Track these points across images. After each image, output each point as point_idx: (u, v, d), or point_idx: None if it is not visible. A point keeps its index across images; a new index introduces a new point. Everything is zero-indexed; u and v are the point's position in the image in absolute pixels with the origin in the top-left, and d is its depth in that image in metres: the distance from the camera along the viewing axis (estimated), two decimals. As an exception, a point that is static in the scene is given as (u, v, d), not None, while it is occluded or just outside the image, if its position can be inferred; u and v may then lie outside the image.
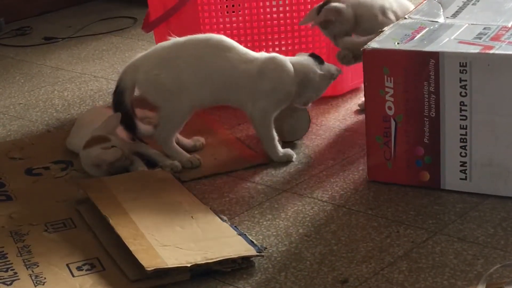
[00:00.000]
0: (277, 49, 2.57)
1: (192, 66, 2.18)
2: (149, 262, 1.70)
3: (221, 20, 2.54)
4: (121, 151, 2.15)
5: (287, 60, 2.22)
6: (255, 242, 1.80)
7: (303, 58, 2.26)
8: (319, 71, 2.23)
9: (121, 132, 2.25)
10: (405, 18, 2.15)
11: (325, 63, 2.27)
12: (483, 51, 1.89)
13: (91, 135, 2.19)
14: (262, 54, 2.24)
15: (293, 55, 2.55)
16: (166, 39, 2.29)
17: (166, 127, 2.22)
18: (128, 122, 2.21)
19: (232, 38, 2.52)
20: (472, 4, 2.20)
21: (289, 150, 2.23)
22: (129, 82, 2.21)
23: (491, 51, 1.89)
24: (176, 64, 2.18)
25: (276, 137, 2.22)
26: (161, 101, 2.21)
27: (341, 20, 2.33)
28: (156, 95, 2.21)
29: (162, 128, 2.22)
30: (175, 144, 2.24)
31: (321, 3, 2.37)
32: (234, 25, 2.54)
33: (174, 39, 2.24)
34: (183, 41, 2.22)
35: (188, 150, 2.28)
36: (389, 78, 1.98)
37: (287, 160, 2.22)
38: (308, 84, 2.23)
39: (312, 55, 2.27)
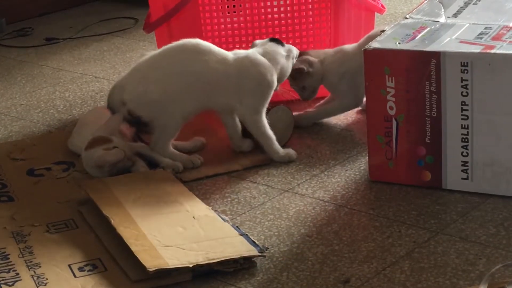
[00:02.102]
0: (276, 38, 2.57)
1: (174, 74, 2.19)
2: (151, 263, 1.70)
3: (222, 20, 2.54)
4: (123, 152, 2.15)
5: (258, 54, 2.24)
6: (256, 242, 1.80)
7: (266, 46, 2.28)
8: (284, 53, 2.27)
9: (122, 132, 2.26)
10: (406, 18, 2.15)
11: (284, 44, 2.31)
12: (484, 51, 1.89)
13: (92, 136, 2.19)
14: (236, 53, 2.25)
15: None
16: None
17: (161, 138, 2.22)
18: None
19: (233, 38, 2.54)
20: (473, 4, 2.20)
21: (290, 150, 2.23)
22: (118, 103, 2.22)
23: (492, 51, 1.89)
24: (158, 76, 2.19)
25: (274, 136, 2.22)
26: (152, 115, 2.20)
27: (311, 73, 2.37)
28: (146, 110, 2.20)
29: (157, 139, 2.23)
30: (172, 150, 2.24)
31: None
32: (235, 25, 2.54)
33: (150, 53, 2.26)
34: (159, 52, 2.25)
35: (189, 150, 2.28)
36: (390, 78, 1.98)
37: (288, 160, 2.22)
38: (278, 68, 2.26)
39: (272, 40, 2.31)
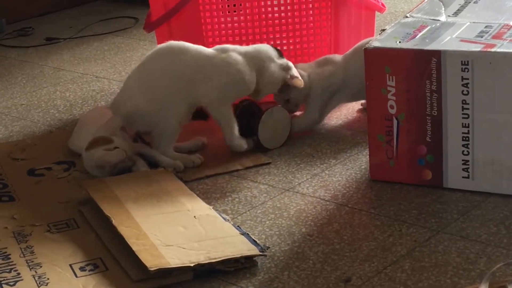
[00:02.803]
0: (278, 48, 2.57)
1: (155, 80, 2.20)
2: (152, 262, 1.70)
3: (222, 19, 2.54)
4: (124, 152, 2.15)
5: (236, 52, 2.24)
6: (257, 241, 1.80)
7: (262, 46, 2.30)
8: (277, 60, 2.27)
9: (123, 132, 2.26)
10: (407, 17, 2.15)
11: (284, 58, 2.30)
12: (484, 50, 1.89)
13: (93, 136, 2.19)
14: (215, 50, 2.25)
15: (295, 54, 2.56)
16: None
17: (161, 144, 2.23)
18: None
19: (234, 37, 2.54)
20: (474, 3, 2.20)
21: (248, 140, 2.25)
22: (118, 121, 2.24)
23: (493, 49, 1.89)
24: (142, 87, 2.21)
25: (236, 125, 2.23)
26: (148, 126, 2.23)
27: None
28: (141, 123, 2.23)
29: (158, 145, 2.24)
30: (174, 152, 2.25)
31: None
32: (236, 24, 2.54)
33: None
34: (139, 64, 2.28)
35: (190, 150, 2.28)
36: (391, 77, 1.98)
37: (239, 150, 2.24)
38: (265, 72, 2.25)
39: (273, 46, 2.32)
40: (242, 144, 2.25)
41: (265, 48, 2.30)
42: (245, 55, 2.24)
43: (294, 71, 2.29)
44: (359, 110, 2.50)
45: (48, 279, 1.74)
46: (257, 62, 2.25)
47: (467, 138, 1.94)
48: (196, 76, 2.21)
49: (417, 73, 1.95)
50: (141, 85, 2.22)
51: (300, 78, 2.29)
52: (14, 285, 1.73)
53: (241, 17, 2.54)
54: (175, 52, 2.23)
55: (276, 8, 2.54)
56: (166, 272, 1.70)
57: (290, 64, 2.30)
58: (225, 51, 2.25)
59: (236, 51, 2.25)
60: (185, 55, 2.22)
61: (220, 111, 2.23)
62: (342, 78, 2.36)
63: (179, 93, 2.20)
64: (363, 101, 2.49)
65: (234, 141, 2.24)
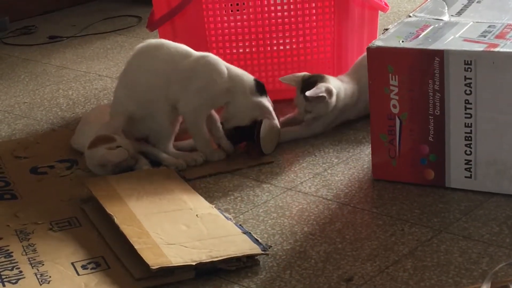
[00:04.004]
0: (281, 47, 2.57)
1: (139, 80, 2.21)
2: (154, 261, 1.70)
3: (225, 18, 2.54)
4: (127, 151, 2.15)
5: (220, 61, 2.21)
6: (260, 240, 1.80)
7: (246, 75, 2.22)
8: (251, 96, 2.20)
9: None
10: (410, 16, 2.15)
11: (265, 99, 2.20)
12: (487, 49, 1.89)
13: (96, 135, 2.19)
14: (198, 53, 2.24)
15: (298, 53, 2.56)
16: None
17: (160, 145, 2.24)
18: None
19: (237, 36, 2.54)
20: (477, 2, 2.20)
21: (221, 151, 2.23)
22: (120, 119, 2.24)
23: (496, 49, 1.88)
24: (130, 91, 2.22)
25: (208, 135, 2.21)
26: (146, 130, 2.24)
27: (327, 102, 2.28)
28: (139, 128, 2.24)
29: (157, 147, 2.24)
30: (175, 150, 2.25)
31: (304, 73, 2.35)
32: (239, 23, 2.54)
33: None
34: (122, 71, 2.28)
35: (193, 148, 2.28)
36: (393, 76, 1.98)
37: (218, 159, 2.22)
38: (235, 101, 2.20)
39: (258, 82, 2.22)
40: (221, 155, 2.22)
41: (247, 80, 2.21)
42: (228, 73, 2.20)
43: (271, 115, 2.20)
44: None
45: (50, 277, 1.74)
46: (232, 83, 2.20)
47: (469, 138, 1.94)
48: (171, 73, 2.20)
49: (420, 73, 1.95)
50: (127, 92, 2.23)
51: (277, 124, 2.24)
52: (16, 283, 1.73)
53: (244, 16, 2.54)
54: (151, 49, 2.24)
55: (279, 7, 2.54)
56: (168, 271, 1.70)
57: (269, 107, 2.20)
58: (206, 56, 2.22)
59: (222, 63, 2.21)
60: (160, 50, 2.22)
61: (196, 124, 2.20)
62: (357, 97, 2.36)
63: (160, 91, 2.20)
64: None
65: (210, 155, 2.22)
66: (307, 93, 2.24)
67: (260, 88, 2.23)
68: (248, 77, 2.23)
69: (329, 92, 2.28)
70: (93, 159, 2.17)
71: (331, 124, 2.36)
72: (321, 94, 2.26)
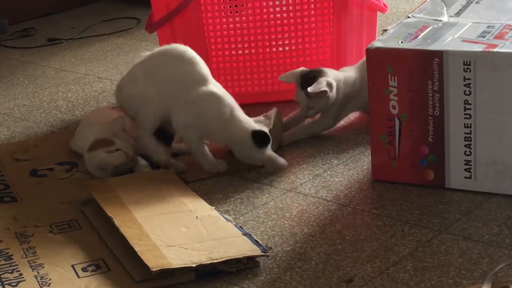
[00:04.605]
0: (280, 49, 2.57)
1: (161, 74, 2.19)
2: (154, 263, 1.70)
3: (224, 20, 2.54)
4: (126, 154, 2.15)
5: (222, 98, 2.16)
6: (260, 242, 1.80)
7: (251, 122, 2.16)
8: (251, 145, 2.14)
9: (126, 132, 2.26)
10: (409, 17, 2.15)
11: (266, 148, 2.14)
12: (487, 50, 1.89)
13: (95, 138, 2.19)
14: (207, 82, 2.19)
15: (297, 54, 2.56)
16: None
17: (142, 131, 2.23)
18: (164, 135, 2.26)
19: (235, 38, 2.54)
20: (476, 3, 2.20)
21: (221, 162, 2.20)
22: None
23: (495, 50, 1.89)
24: (150, 79, 2.20)
25: (205, 148, 2.19)
26: (137, 108, 2.22)
27: (328, 96, 2.28)
28: (137, 107, 2.22)
29: (140, 131, 2.23)
30: (155, 141, 2.23)
31: (302, 69, 2.34)
32: (238, 25, 2.54)
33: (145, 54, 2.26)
34: (150, 55, 2.24)
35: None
36: (393, 77, 1.98)
37: (217, 171, 2.18)
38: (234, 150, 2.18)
39: (255, 133, 2.13)
40: (219, 167, 2.19)
41: (248, 125, 2.15)
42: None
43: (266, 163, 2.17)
44: (361, 110, 2.50)
45: (50, 279, 1.74)
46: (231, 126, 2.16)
47: (469, 138, 1.94)
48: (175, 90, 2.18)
49: (419, 73, 1.95)
50: (151, 74, 2.20)
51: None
52: (16, 285, 1.73)
53: (243, 18, 2.54)
54: (183, 59, 2.19)
55: (278, 9, 2.54)
56: (168, 273, 1.70)
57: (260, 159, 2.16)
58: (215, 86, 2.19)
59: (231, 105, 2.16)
60: (192, 67, 2.18)
61: (189, 140, 2.20)
62: (359, 86, 2.35)
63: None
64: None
65: (211, 167, 2.19)
66: (309, 89, 2.24)
67: (260, 139, 2.14)
68: (251, 128, 2.15)
69: (329, 85, 2.28)
70: (93, 162, 2.17)
71: (341, 113, 2.36)
72: (322, 89, 2.26)
